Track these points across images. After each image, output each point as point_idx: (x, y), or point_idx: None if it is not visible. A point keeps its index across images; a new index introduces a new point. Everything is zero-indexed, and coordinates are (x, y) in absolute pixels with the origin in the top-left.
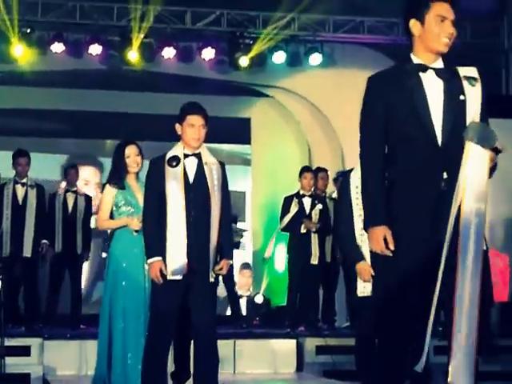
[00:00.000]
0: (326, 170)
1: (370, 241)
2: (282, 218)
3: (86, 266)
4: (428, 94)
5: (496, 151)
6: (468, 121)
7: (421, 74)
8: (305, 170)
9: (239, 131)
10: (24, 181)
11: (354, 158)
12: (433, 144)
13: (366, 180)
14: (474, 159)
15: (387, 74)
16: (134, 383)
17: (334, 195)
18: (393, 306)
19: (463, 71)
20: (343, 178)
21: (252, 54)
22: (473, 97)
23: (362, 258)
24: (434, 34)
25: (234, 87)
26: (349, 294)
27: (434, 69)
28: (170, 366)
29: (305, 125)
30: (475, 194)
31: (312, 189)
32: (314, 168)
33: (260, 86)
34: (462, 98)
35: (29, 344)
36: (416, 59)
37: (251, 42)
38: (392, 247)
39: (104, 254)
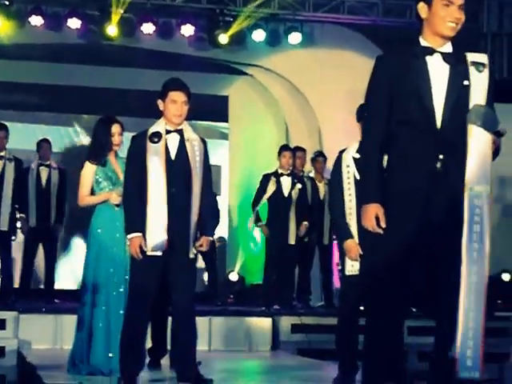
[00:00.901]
0: (303, 150)
1: (362, 217)
2: (258, 194)
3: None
4: (432, 77)
5: (498, 135)
6: (471, 106)
7: (427, 57)
8: (284, 148)
9: (217, 108)
10: (2, 154)
11: (332, 137)
12: (432, 126)
13: (365, 157)
14: (477, 142)
15: (395, 54)
16: (115, 360)
17: (312, 174)
18: (380, 283)
19: (471, 57)
20: (336, 157)
21: (231, 31)
22: (478, 82)
23: (350, 235)
24: (439, 17)
25: (213, 64)
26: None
27: (441, 53)
28: (148, 343)
29: (283, 104)
30: (478, 176)
31: (290, 168)
32: (292, 147)
33: (239, 64)
34: (466, 83)
35: (3, 317)
36: (424, 42)
37: (231, 19)
38: (383, 225)
39: None
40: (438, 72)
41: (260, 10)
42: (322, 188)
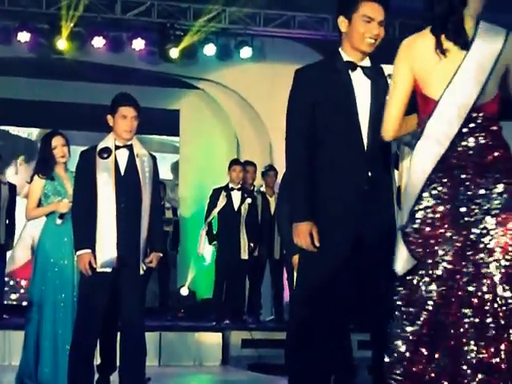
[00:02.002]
0: (254, 164)
1: (294, 235)
2: (209, 209)
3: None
4: (356, 93)
5: None
6: None
7: (350, 72)
8: (234, 162)
9: (168, 122)
10: None
11: (283, 151)
12: (359, 142)
13: (291, 176)
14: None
15: (316, 67)
16: (63, 377)
17: (262, 189)
18: (314, 300)
19: (388, 69)
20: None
21: (182, 45)
22: None
23: (297, 250)
24: (359, 33)
25: (164, 78)
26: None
27: (361, 67)
28: (97, 359)
29: (234, 118)
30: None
31: (240, 182)
32: (242, 161)
33: (190, 78)
34: (387, 98)
35: None
36: (345, 56)
37: (182, 33)
38: (317, 243)
39: None
40: (361, 88)
41: (211, 24)
42: (272, 202)
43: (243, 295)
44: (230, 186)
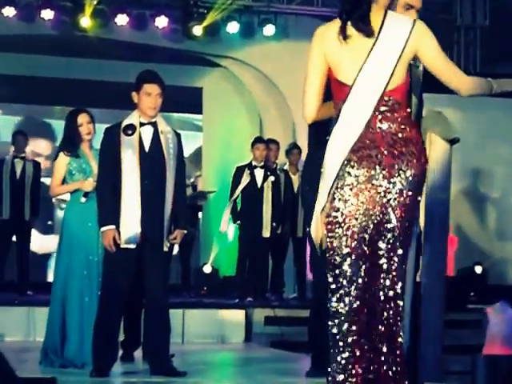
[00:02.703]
0: (277, 142)
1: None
2: (232, 187)
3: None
4: None
5: (452, 142)
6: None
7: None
8: (257, 140)
9: (191, 100)
10: None
11: (306, 129)
12: None
13: None
14: (437, 151)
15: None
16: (89, 353)
17: (286, 167)
18: None
19: None
20: None
21: (205, 23)
22: (416, 79)
23: None
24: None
25: (187, 56)
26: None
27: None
28: (121, 335)
29: (257, 96)
30: (439, 184)
31: (263, 160)
32: (265, 139)
33: (213, 55)
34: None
35: None
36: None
37: (205, 11)
38: None
39: None
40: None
41: (234, 1)
42: (295, 180)
43: (266, 273)
44: (253, 163)
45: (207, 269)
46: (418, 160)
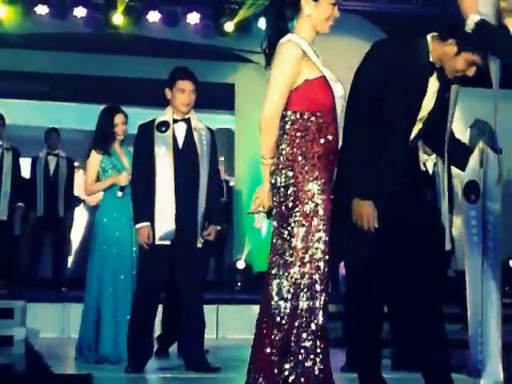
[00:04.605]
0: None
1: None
2: None
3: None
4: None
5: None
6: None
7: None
8: None
9: (223, 97)
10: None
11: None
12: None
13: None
14: (489, 160)
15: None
16: (124, 348)
17: None
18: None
19: None
20: None
21: (237, 19)
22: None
23: None
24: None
25: (219, 52)
26: None
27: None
28: (157, 330)
29: None
30: (491, 193)
31: None
32: None
33: (245, 51)
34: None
35: (11, 307)
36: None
37: (236, 7)
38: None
39: None
40: (432, 90)
41: None
42: None
43: None
44: None
45: (241, 264)
46: None
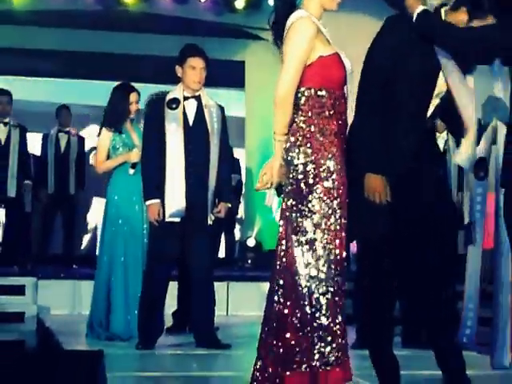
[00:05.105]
0: None
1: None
2: None
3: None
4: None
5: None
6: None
7: None
8: None
9: (233, 74)
10: (6, 120)
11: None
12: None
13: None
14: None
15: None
16: (135, 325)
17: None
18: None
19: None
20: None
21: None
22: None
23: None
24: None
25: (229, 29)
26: None
27: None
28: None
29: None
30: None
31: None
32: None
33: (255, 28)
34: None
35: (23, 283)
36: None
37: None
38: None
39: None
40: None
41: None
42: None
43: None
44: None
45: (251, 242)
46: None
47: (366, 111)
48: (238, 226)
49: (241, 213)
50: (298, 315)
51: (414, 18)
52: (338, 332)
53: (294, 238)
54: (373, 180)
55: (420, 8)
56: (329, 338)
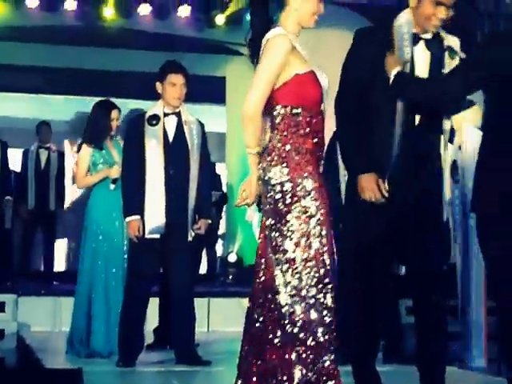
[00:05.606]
0: None
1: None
2: None
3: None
4: (416, 68)
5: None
6: None
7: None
8: None
9: (214, 89)
10: None
11: (329, 115)
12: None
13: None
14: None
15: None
16: (115, 342)
17: None
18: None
19: (448, 40)
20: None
21: (228, 12)
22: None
23: None
24: (427, 14)
25: (210, 45)
26: None
27: (424, 39)
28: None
29: None
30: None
31: None
32: None
33: (236, 44)
34: (442, 71)
35: (3, 300)
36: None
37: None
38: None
39: None
40: (421, 61)
41: None
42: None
43: None
44: None
45: (232, 257)
46: None
47: (342, 120)
48: (220, 242)
49: (222, 228)
50: (278, 334)
51: (391, 80)
52: (322, 351)
53: (273, 257)
54: (364, 180)
55: (395, 70)
56: (311, 357)
